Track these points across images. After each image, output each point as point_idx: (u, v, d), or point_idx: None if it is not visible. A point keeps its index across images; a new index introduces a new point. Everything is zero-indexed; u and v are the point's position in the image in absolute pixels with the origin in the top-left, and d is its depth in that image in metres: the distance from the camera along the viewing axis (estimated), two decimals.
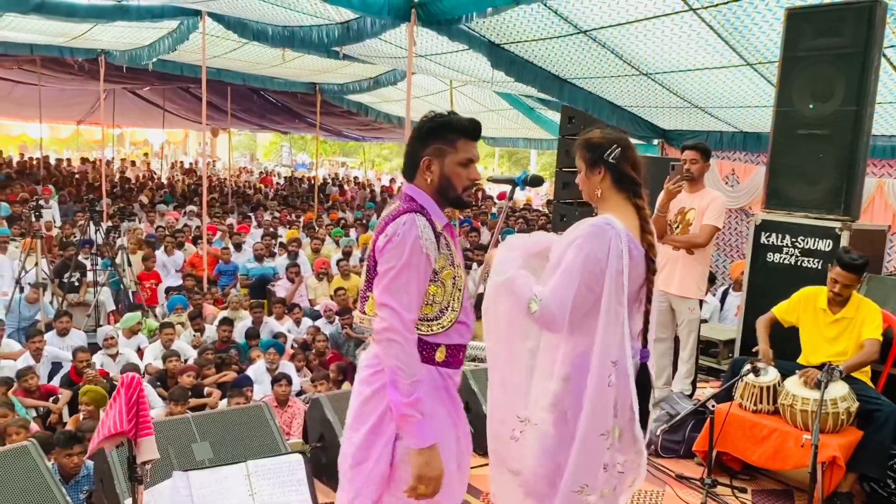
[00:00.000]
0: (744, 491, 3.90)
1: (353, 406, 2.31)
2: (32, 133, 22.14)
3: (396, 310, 2.13)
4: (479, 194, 19.97)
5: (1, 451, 2.82)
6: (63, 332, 7.30)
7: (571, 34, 7.11)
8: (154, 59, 11.86)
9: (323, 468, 3.59)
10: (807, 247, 4.53)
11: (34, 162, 20.74)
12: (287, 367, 6.88)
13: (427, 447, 2.15)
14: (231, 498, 2.90)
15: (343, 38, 8.40)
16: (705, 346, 6.00)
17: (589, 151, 2.41)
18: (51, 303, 8.64)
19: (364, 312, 2.30)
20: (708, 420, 3.85)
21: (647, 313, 2.36)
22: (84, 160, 23.37)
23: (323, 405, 3.56)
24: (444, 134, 2.26)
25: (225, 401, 6.06)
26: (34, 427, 5.52)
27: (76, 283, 8.87)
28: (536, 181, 2.64)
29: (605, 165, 2.37)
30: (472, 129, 2.29)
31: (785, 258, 4.63)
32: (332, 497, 3.51)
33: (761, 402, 3.92)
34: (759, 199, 6.72)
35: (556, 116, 11.80)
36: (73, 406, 6.10)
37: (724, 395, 4.02)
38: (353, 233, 13.15)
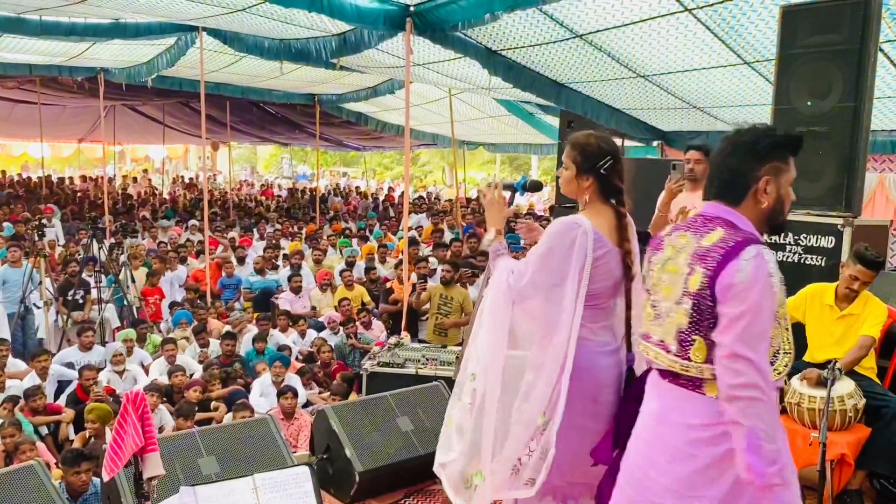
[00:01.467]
0: None
1: (679, 470, 1.97)
2: (34, 152, 22.23)
3: (756, 362, 1.83)
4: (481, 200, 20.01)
5: (8, 470, 2.82)
6: (88, 347, 7.34)
7: (567, 38, 7.13)
8: (153, 76, 11.92)
9: (329, 479, 3.58)
10: (809, 244, 4.52)
11: (36, 181, 20.83)
12: (293, 379, 6.88)
13: None
14: None
15: (340, 49, 8.43)
16: None
17: (583, 158, 2.49)
18: (55, 321, 8.66)
19: (688, 359, 1.96)
20: None
21: (627, 319, 2.45)
22: (84, 178, 23.45)
23: (329, 416, 3.55)
24: (782, 150, 2.02)
25: (230, 414, 6.06)
26: (42, 446, 5.54)
27: (80, 301, 8.89)
28: (536, 186, 2.67)
29: (594, 175, 2.47)
30: (800, 144, 2.06)
31: (788, 256, 4.62)
32: None
33: None
34: None
35: (555, 121, 11.82)
36: (79, 424, 6.11)
37: None
38: (355, 243, 13.15)
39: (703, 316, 1.92)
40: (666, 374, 2.02)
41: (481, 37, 7.53)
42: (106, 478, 2.51)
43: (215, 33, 9.50)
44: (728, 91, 7.74)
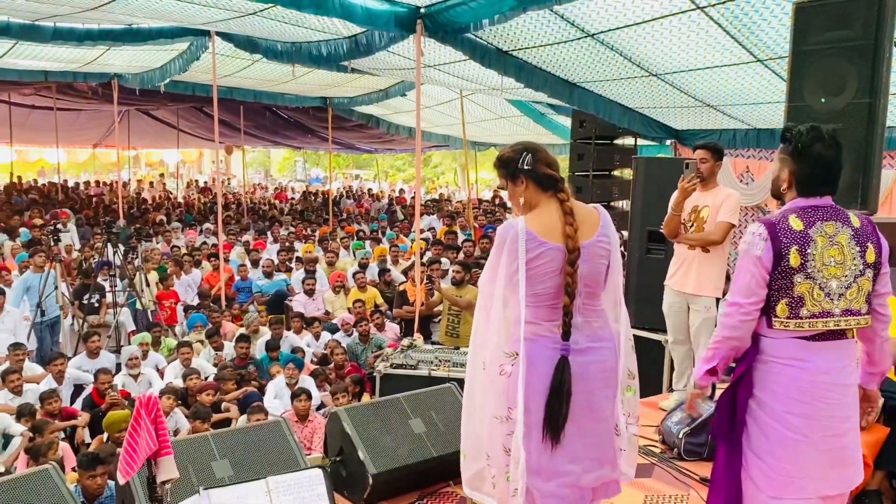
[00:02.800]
0: None
1: (845, 401, 2.48)
2: (50, 158, 22.43)
3: None
4: (496, 201, 19.99)
5: (23, 474, 2.83)
6: (94, 353, 7.36)
7: (579, 38, 7.10)
8: (166, 81, 12.00)
9: (343, 482, 3.57)
10: None
11: (50, 186, 21.02)
12: (307, 381, 6.90)
13: None
14: None
15: (352, 52, 8.44)
16: None
17: (505, 168, 2.57)
18: (72, 325, 8.73)
19: (871, 312, 2.52)
20: None
21: (565, 305, 2.42)
22: (98, 183, 23.64)
23: (341, 418, 3.54)
24: None
25: (244, 417, 6.08)
26: (65, 446, 5.60)
27: (96, 305, 8.96)
28: None
29: (523, 174, 2.51)
30: None
31: None
32: None
33: None
34: None
35: (567, 121, 11.80)
36: (94, 427, 6.16)
37: None
38: (368, 245, 13.18)
39: (877, 278, 2.52)
40: (827, 335, 2.46)
41: (492, 37, 7.52)
42: (121, 481, 2.52)
43: (228, 37, 9.55)
44: (741, 89, 7.69)
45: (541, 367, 2.40)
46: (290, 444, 3.41)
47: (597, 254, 2.47)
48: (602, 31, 6.87)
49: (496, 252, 2.46)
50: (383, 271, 10.55)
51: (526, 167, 2.49)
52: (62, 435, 6.02)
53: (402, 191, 27.44)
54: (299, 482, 3.07)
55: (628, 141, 10.20)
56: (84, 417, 6.27)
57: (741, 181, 9.36)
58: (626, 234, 6.33)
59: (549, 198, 2.48)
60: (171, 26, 9.35)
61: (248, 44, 9.53)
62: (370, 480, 3.40)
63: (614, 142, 10.08)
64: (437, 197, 24.72)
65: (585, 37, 7.03)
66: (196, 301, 10.03)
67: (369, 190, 27.51)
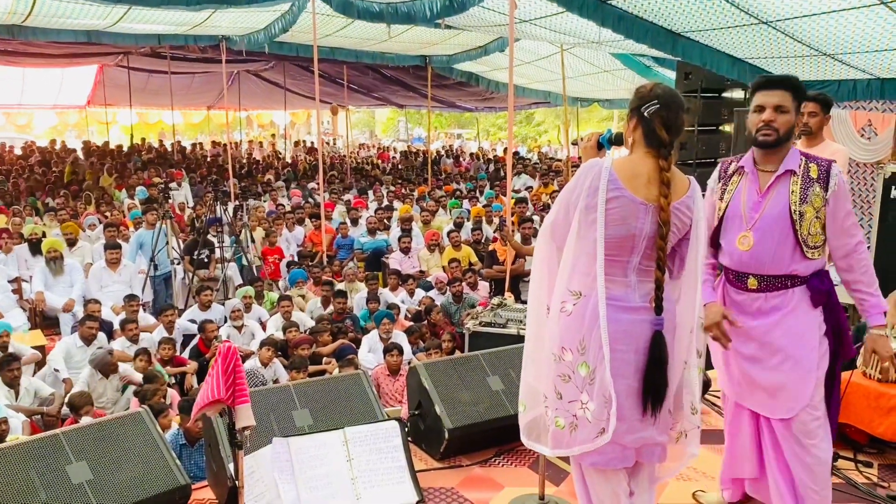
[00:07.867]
0: (869, 465, 3.62)
1: None
2: (168, 120, 23.60)
3: None
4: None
5: (117, 416, 3.04)
6: (206, 306, 7.77)
7: None
8: (270, 41, 12.30)
9: (421, 435, 3.63)
10: None
11: (167, 148, 22.20)
12: (399, 337, 7.03)
13: None
14: (329, 463, 2.99)
15: (446, 9, 8.34)
16: None
17: (633, 98, 2.44)
18: (183, 279, 9.22)
19: None
20: None
21: (658, 280, 2.33)
22: (215, 144, 24.73)
23: (420, 373, 3.59)
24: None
25: (337, 370, 6.28)
26: (173, 392, 5.97)
27: (205, 260, 9.41)
28: (620, 139, 2.55)
29: (638, 116, 2.40)
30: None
31: None
32: (430, 463, 3.56)
33: (888, 371, 3.62)
34: None
35: (673, 75, 11.28)
36: (201, 376, 6.52)
37: (846, 363, 3.72)
38: (466, 204, 13.19)
39: None
40: None
41: None
42: (189, 423, 2.65)
43: None
44: (862, 35, 7.09)
45: (620, 330, 2.31)
46: (368, 396, 3.49)
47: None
48: None
49: (574, 188, 2.37)
50: (474, 230, 10.60)
51: (645, 114, 2.37)
52: (172, 381, 6.42)
53: (505, 150, 27.26)
54: (375, 433, 3.15)
55: (737, 94, 9.65)
56: (192, 365, 6.65)
57: (862, 135, 8.71)
58: None
59: (647, 153, 2.37)
60: None
61: (344, 5, 9.58)
62: (446, 435, 3.44)
63: (722, 95, 9.57)
64: (535, 154, 24.34)
65: None
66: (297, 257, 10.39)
67: (477, 151, 27.44)
